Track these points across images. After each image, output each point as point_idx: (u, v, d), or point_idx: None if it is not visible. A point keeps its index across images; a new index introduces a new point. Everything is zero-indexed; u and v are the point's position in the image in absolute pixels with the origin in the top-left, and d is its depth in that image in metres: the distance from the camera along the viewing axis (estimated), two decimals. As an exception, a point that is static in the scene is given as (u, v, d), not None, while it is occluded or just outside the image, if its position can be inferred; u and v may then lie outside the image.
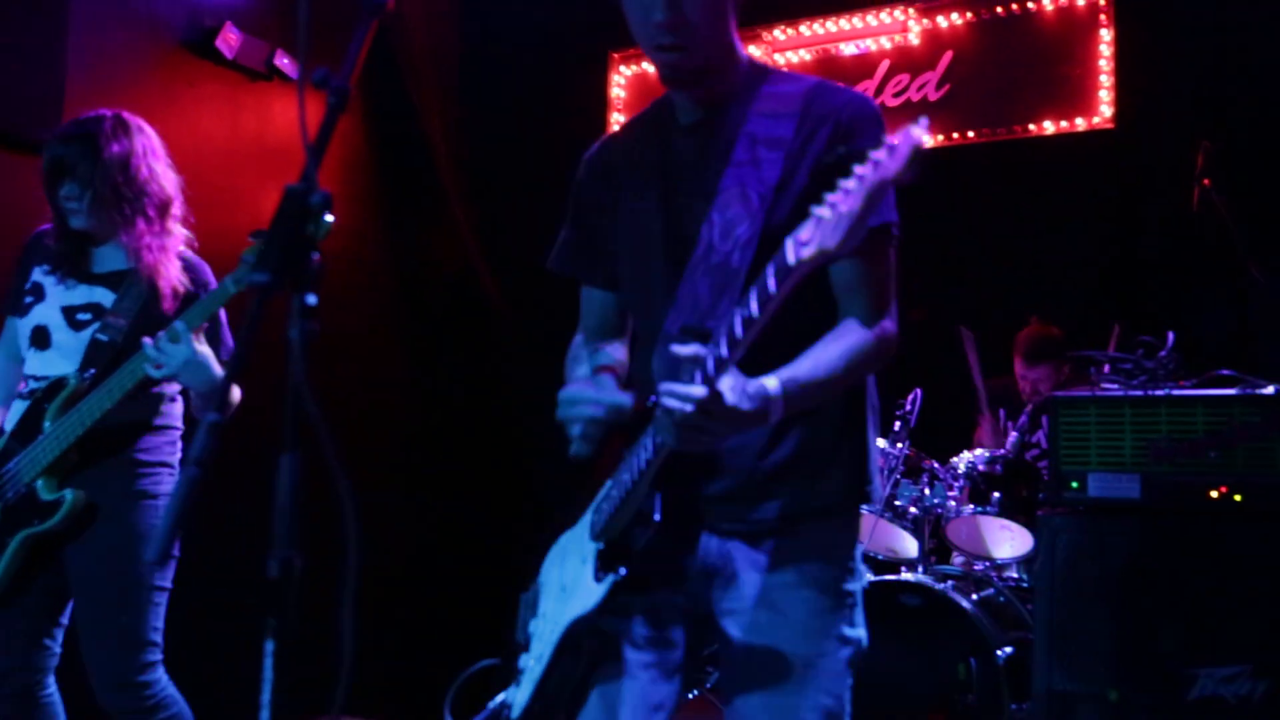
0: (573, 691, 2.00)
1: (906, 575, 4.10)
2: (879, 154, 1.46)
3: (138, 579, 3.01)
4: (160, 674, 3.06)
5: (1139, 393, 3.29)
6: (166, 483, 3.11)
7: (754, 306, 1.55)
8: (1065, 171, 5.50)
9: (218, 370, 2.96)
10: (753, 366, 1.74)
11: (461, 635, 5.25)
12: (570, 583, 1.97)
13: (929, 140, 1.48)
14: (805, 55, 6.04)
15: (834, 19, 5.87)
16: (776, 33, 5.99)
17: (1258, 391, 3.18)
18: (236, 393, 2.92)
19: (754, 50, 5.95)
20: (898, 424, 4.31)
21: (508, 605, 2.22)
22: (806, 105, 1.93)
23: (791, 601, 1.94)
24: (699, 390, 1.58)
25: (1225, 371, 3.34)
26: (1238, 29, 5.08)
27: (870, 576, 4.07)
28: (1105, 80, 5.35)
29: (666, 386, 1.62)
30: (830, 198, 1.49)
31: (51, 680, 3.15)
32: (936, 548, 4.39)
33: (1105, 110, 5.36)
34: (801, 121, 1.91)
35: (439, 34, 6.22)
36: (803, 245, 1.51)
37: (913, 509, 4.32)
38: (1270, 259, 4.55)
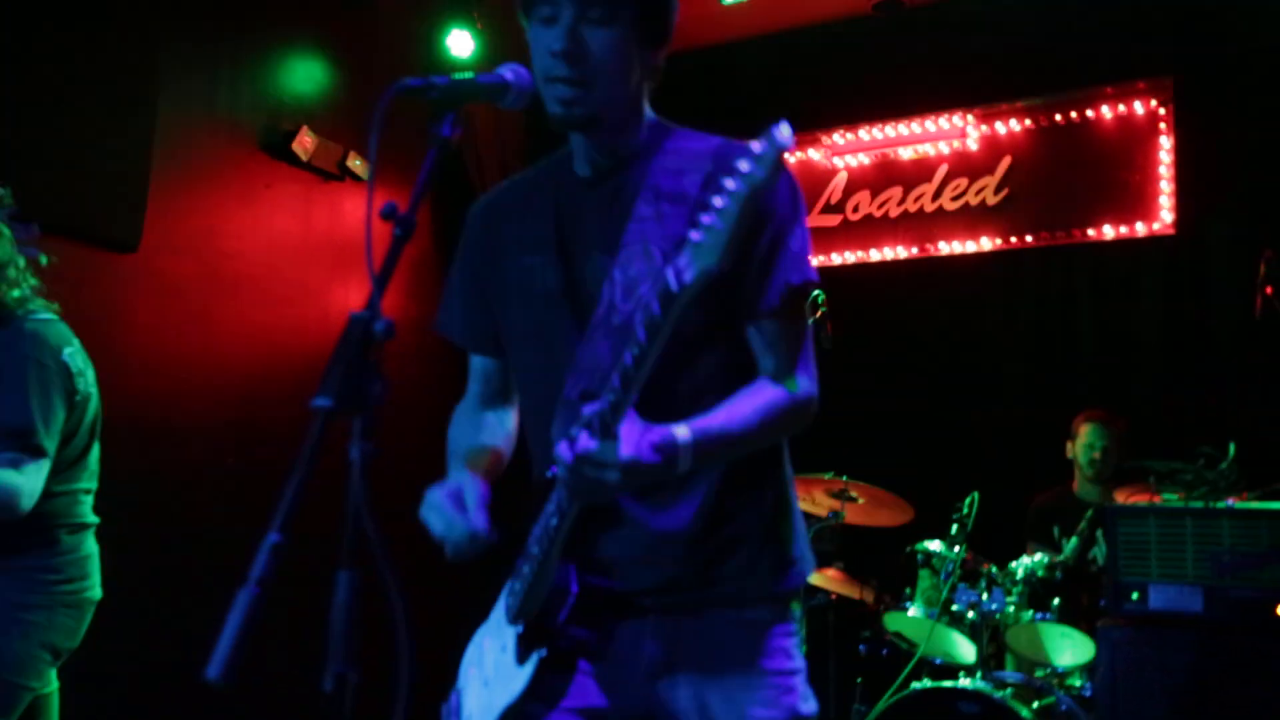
0: None
1: (964, 682, 4.01)
2: (743, 164, 1.44)
3: None
4: None
5: (1200, 504, 3.28)
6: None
7: (641, 334, 1.52)
8: (1126, 276, 5.50)
9: None
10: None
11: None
12: (492, 675, 1.91)
13: (790, 140, 1.45)
14: (864, 159, 6.07)
15: (893, 124, 5.93)
16: (836, 136, 6.05)
17: None
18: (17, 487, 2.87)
19: (814, 154, 6.12)
20: (955, 527, 4.26)
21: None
22: (713, 161, 1.84)
23: (724, 672, 1.84)
24: (591, 444, 1.55)
25: None
26: None
27: (928, 682, 4.04)
28: (1165, 186, 5.36)
29: (561, 449, 1.57)
30: (703, 218, 1.46)
31: None
32: (995, 653, 4.31)
33: (1166, 216, 5.36)
34: (708, 177, 1.81)
35: (505, 133, 6.27)
36: (683, 270, 1.48)
37: (970, 613, 4.24)
38: None
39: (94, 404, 3.15)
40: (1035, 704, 3.93)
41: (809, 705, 1.87)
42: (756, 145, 1.44)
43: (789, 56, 6.03)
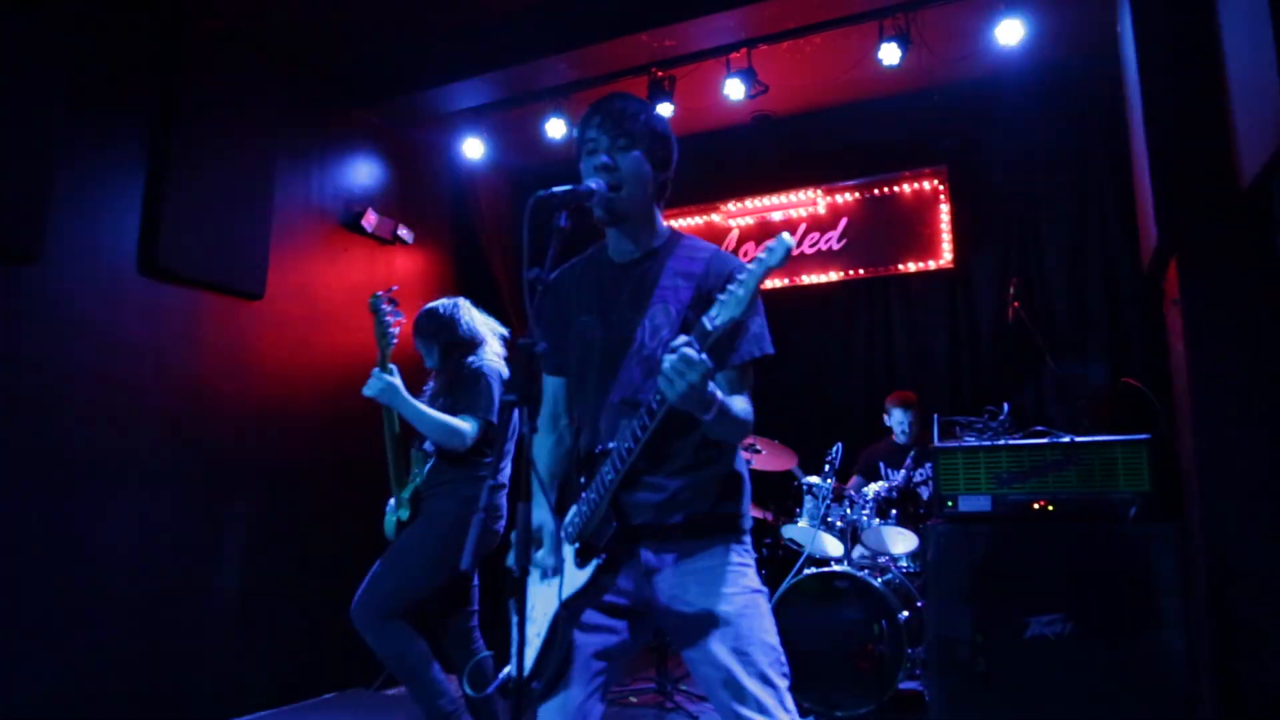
0: (564, 654, 1.88)
1: (836, 568, 4.12)
2: (761, 254, 1.54)
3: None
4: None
5: (988, 443, 3.42)
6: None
7: (698, 348, 1.57)
8: (923, 295, 5.62)
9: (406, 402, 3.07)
10: (673, 439, 1.80)
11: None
12: (555, 578, 1.91)
13: (793, 244, 1.56)
14: (749, 220, 6.14)
15: (767, 196, 6.05)
16: (730, 205, 6.14)
17: (1059, 440, 3.32)
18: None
19: (715, 217, 6.09)
20: (826, 466, 4.34)
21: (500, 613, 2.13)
22: (710, 258, 1.92)
23: (702, 572, 1.87)
24: (694, 349, 1.57)
25: (1039, 428, 3.45)
26: (1029, 203, 5.29)
27: (813, 569, 4.10)
28: (946, 236, 5.56)
29: (678, 342, 1.58)
30: (730, 286, 1.56)
31: None
32: (854, 549, 4.42)
33: (947, 255, 5.53)
34: (707, 266, 1.90)
35: (500, 204, 6.34)
36: (714, 319, 1.57)
37: (838, 523, 4.39)
38: (1058, 355, 4.77)
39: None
40: (880, 579, 4.12)
41: (758, 584, 1.91)
42: (772, 242, 1.54)
43: (699, 150, 5.66)
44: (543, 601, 1.93)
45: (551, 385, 2.08)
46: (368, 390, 3.13)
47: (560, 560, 1.91)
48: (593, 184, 1.85)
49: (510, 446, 3.13)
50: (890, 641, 3.95)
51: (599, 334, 1.95)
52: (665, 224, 2.01)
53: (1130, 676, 3.02)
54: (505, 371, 3.27)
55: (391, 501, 3.34)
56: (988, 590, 3.27)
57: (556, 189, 1.77)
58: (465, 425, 3.13)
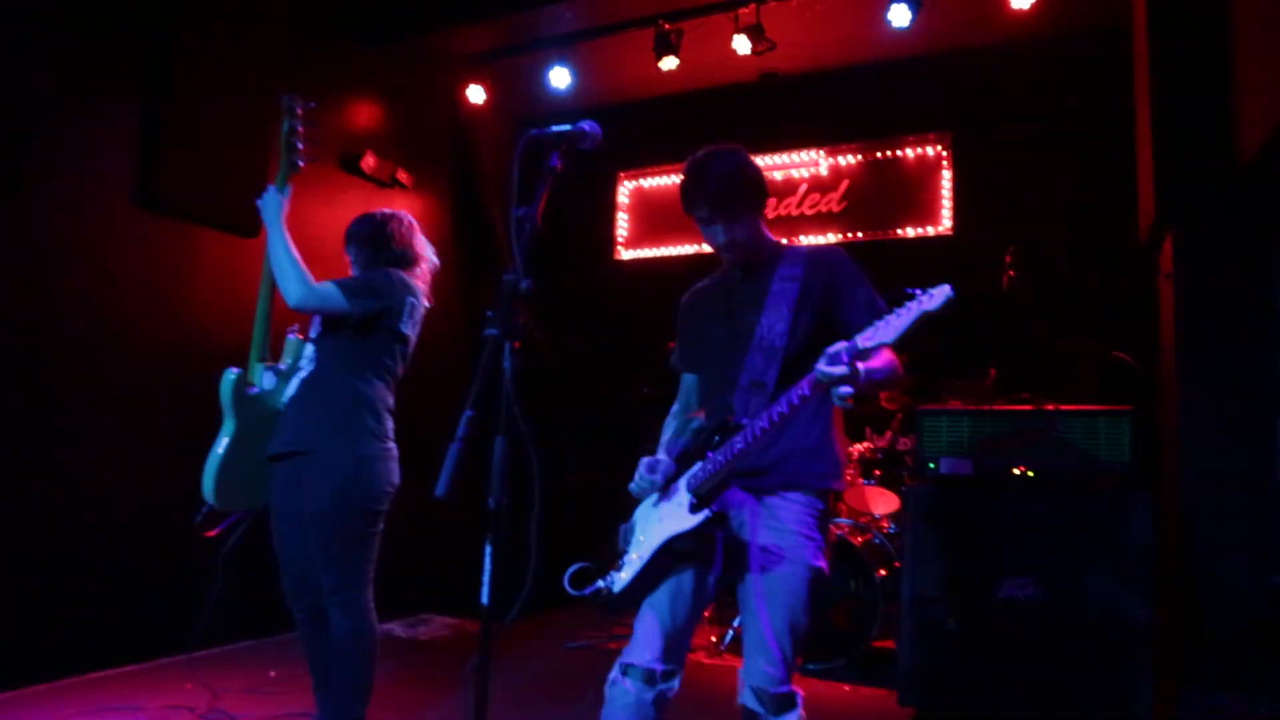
0: (657, 578, 2.09)
1: None
2: (924, 297, 1.71)
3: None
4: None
5: (973, 409, 3.45)
6: None
7: (847, 357, 1.76)
8: (921, 261, 5.61)
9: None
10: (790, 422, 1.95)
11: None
12: (665, 514, 2.10)
13: (953, 294, 1.67)
14: None
15: (770, 155, 5.98)
16: None
17: (1042, 408, 3.35)
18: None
19: None
20: None
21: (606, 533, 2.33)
22: (806, 258, 2.18)
23: (782, 516, 2.07)
24: (843, 369, 1.75)
25: (1024, 394, 3.51)
26: (1029, 171, 5.27)
27: None
28: (946, 203, 5.57)
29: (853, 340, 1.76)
30: (888, 317, 1.72)
31: None
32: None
33: (947, 222, 5.56)
34: (807, 267, 2.16)
35: (500, 151, 6.32)
36: (868, 339, 1.74)
37: None
38: (1050, 325, 4.78)
39: None
40: (860, 539, 4.21)
41: (819, 548, 2.09)
42: (935, 290, 1.70)
43: (703, 107, 6.06)
44: (648, 533, 2.14)
45: (687, 381, 2.39)
46: (260, 201, 2.81)
47: (669, 499, 2.12)
48: (586, 126, 1.91)
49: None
50: (864, 600, 4.04)
51: (726, 331, 2.22)
52: (770, 237, 2.28)
53: (1097, 639, 3.08)
54: (421, 296, 2.94)
55: (233, 372, 2.87)
56: (963, 552, 3.32)
57: (550, 129, 1.81)
58: (325, 286, 2.73)
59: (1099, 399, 3.49)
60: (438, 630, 4.95)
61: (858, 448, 4.60)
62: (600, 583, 2.22)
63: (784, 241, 2.32)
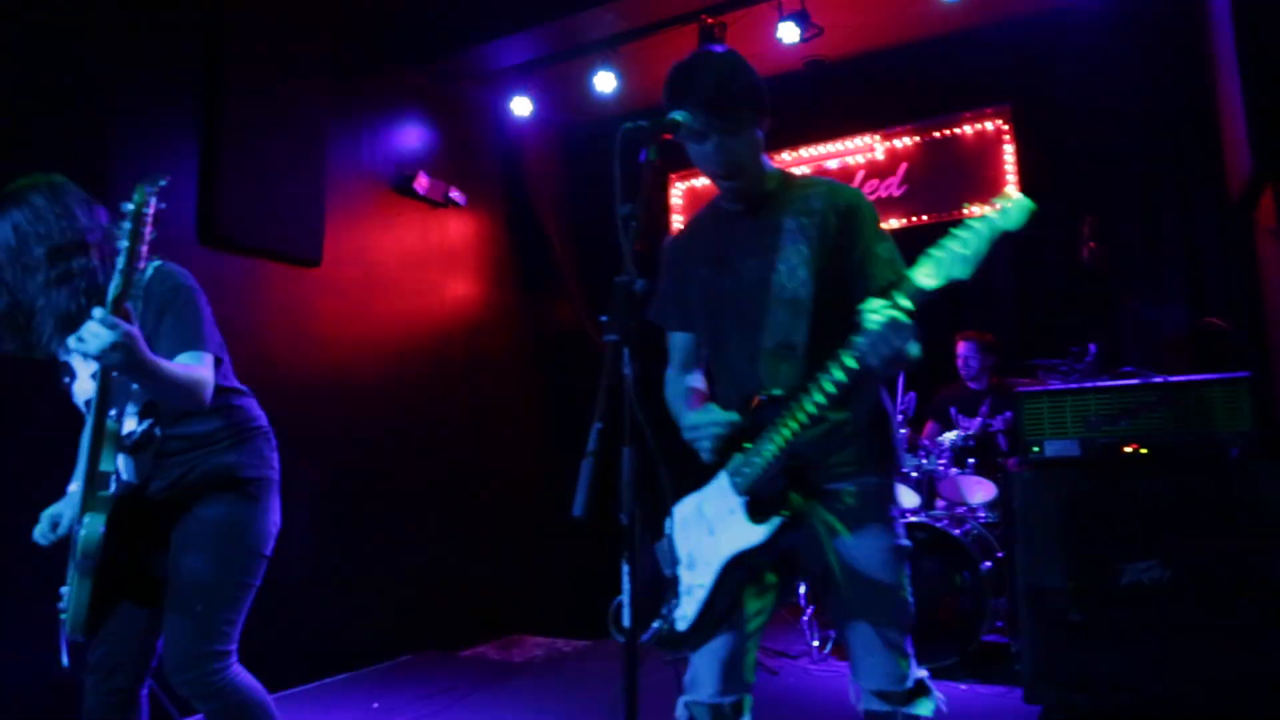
0: (728, 604, 1.83)
1: (913, 519, 4.10)
2: (992, 210, 1.40)
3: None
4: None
5: (1075, 385, 3.31)
6: None
7: (906, 300, 1.53)
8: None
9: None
10: (828, 343, 1.68)
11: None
12: (717, 525, 1.83)
13: (1033, 206, 1.37)
14: (804, 170, 5.85)
15: (823, 144, 5.89)
16: (784, 155, 5.97)
17: (1151, 380, 3.21)
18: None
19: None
20: (901, 416, 4.33)
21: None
22: (827, 191, 1.89)
23: (854, 502, 1.84)
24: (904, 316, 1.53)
25: (1127, 368, 3.37)
26: (1099, 139, 5.10)
27: None
28: (1010, 178, 5.41)
29: (878, 305, 1.54)
30: (949, 243, 1.43)
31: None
32: (930, 499, 4.40)
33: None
34: (827, 202, 1.86)
35: (549, 162, 6.30)
36: (928, 277, 1.48)
37: (914, 474, 4.35)
38: (1134, 296, 4.70)
39: None
40: (959, 530, 4.07)
41: (900, 525, 1.89)
42: (1006, 200, 1.40)
43: None
44: (701, 551, 1.85)
45: (677, 340, 2.08)
46: (92, 341, 1.83)
47: (713, 501, 1.85)
48: (678, 116, 1.78)
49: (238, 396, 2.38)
50: (972, 593, 3.90)
51: (728, 283, 1.91)
52: (772, 164, 1.96)
53: (1239, 624, 2.90)
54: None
55: (66, 511, 2.20)
56: (1078, 537, 3.17)
57: (643, 122, 1.72)
58: (203, 370, 2.13)
59: (1193, 367, 3.39)
60: (530, 651, 4.87)
61: (949, 435, 4.48)
62: (657, 623, 1.85)
63: (785, 172, 1.99)
